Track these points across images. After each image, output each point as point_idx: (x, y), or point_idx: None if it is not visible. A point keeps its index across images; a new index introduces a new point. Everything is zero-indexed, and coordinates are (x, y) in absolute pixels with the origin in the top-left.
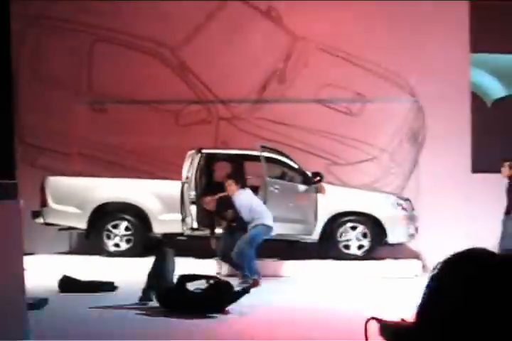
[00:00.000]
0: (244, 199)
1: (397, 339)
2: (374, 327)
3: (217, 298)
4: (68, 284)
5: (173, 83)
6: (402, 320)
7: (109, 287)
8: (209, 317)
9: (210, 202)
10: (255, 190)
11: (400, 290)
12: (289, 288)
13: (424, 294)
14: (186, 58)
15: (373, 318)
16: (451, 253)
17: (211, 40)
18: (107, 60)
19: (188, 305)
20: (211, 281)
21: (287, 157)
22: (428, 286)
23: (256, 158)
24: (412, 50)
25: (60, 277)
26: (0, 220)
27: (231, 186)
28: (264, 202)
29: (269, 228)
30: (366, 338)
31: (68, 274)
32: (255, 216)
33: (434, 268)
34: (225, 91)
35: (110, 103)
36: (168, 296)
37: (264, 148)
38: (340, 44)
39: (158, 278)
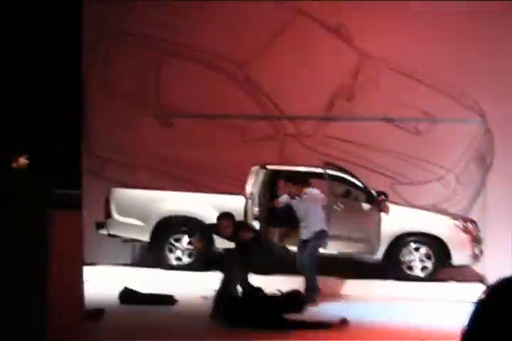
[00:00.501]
0: None
1: None
2: None
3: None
4: (129, 296)
5: (240, 98)
6: None
7: (169, 300)
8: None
9: None
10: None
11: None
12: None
13: (470, 320)
14: (254, 74)
15: None
16: (499, 278)
17: (279, 56)
18: (175, 74)
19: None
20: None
21: (352, 175)
22: (474, 313)
23: (321, 176)
24: (483, 70)
25: (121, 289)
26: (60, 229)
27: None
28: (328, 220)
29: None
30: None
31: (129, 286)
32: None
33: (481, 294)
34: (292, 108)
35: (177, 117)
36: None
37: (328, 165)
38: (410, 63)
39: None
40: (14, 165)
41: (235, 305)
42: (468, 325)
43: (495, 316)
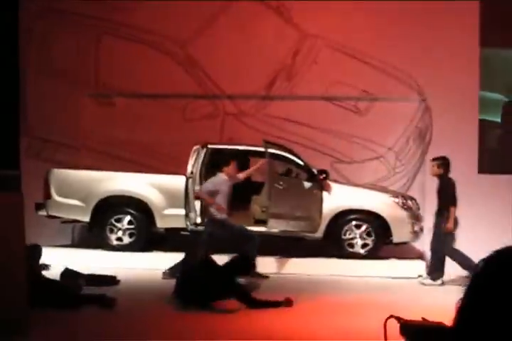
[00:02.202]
0: None
1: (420, 339)
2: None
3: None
4: (70, 277)
5: (181, 78)
6: (424, 319)
7: (112, 280)
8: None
9: None
10: (259, 186)
11: (401, 290)
12: (294, 286)
13: (465, 294)
14: (194, 53)
15: (392, 317)
16: (491, 251)
17: (219, 36)
18: (114, 54)
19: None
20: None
21: (292, 153)
22: (470, 286)
23: (261, 154)
24: (421, 49)
25: (61, 270)
26: (2, 210)
27: None
28: (269, 199)
29: None
30: (385, 337)
31: (70, 267)
32: None
33: (474, 268)
34: (233, 87)
35: (117, 97)
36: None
37: (269, 144)
38: (350, 42)
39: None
40: None
41: (186, 278)
42: (464, 299)
43: (489, 288)
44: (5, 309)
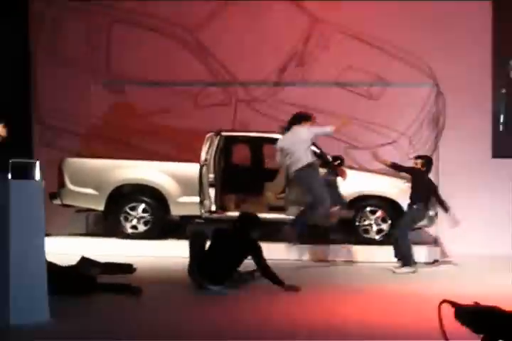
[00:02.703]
0: None
1: (475, 322)
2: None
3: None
4: (86, 265)
5: (192, 65)
6: (476, 303)
7: (128, 269)
8: None
9: None
10: (272, 173)
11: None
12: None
13: None
14: (205, 40)
15: (446, 301)
16: None
17: (230, 22)
18: (125, 41)
19: None
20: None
21: None
22: None
23: (275, 141)
24: (435, 34)
25: (78, 258)
26: (23, 197)
27: None
28: (285, 186)
29: None
30: (440, 322)
31: (86, 256)
32: None
33: None
34: (244, 74)
35: (128, 84)
36: None
37: (283, 131)
38: (362, 27)
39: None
40: None
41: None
42: None
43: None
44: (24, 297)
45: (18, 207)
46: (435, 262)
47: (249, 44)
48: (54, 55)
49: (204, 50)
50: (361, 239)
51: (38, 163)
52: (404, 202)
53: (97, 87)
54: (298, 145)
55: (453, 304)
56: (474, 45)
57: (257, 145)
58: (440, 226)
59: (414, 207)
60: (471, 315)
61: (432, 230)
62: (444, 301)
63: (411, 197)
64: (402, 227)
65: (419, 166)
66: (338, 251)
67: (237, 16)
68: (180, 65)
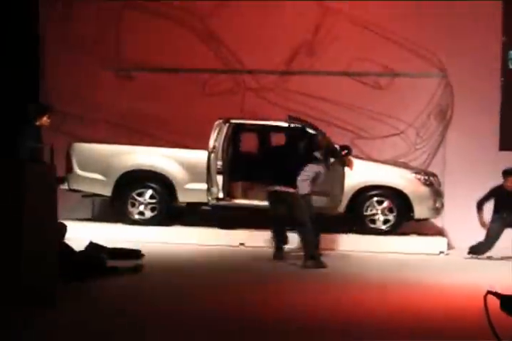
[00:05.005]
0: None
1: None
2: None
3: None
4: (94, 250)
5: (201, 52)
6: None
7: (136, 254)
8: None
9: None
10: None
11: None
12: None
13: None
14: (215, 27)
15: (490, 293)
16: None
17: (240, 10)
18: (135, 27)
19: None
20: None
21: (315, 129)
22: None
23: (283, 129)
24: (444, 25)
25: (86, 243)
26: (37, 179)
27: None
28: None
29: None
30: (487, 312)
31: (94, 241)
32: None
33: None
34: (253, 62)
35: (138, 71)
36: None
37: (293, 120)
38: (371, 17)
39: None
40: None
41: None
42: None
43: None
44: (36, 280)
45: (33, 189)
46: (441, 253)
47: (259, 32)
48: (63, 41)
49: (214, 38)
50: (368, 229)
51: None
52: (411, 192)
53: (105, 73)
54: None
55: (498, 295)
56: (485, 37)
57: (265, 133)
58: (446, 218)
59: None
60: None
61: (438, 221)
62: (489, 292)
63: None
64: None
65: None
66: (345, 241)
67: (248, 4)
68: (189, 51)
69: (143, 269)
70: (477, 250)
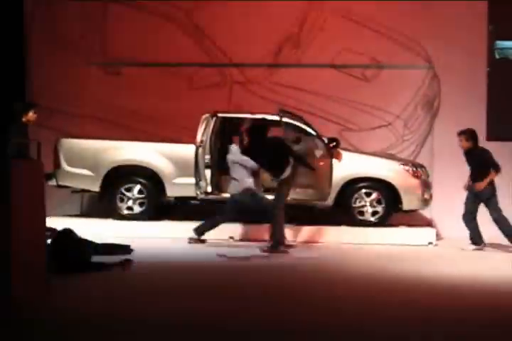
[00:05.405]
0: None
1: None
2: None
3: None
4: (83, 245)
5: (187, 46)
6: None
7: (125, 250)
8: None
9: None
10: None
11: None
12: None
13: None
14: (201, 21)
15: None
16: None
17: (226, 3)
18: (120, 22)
19: None
20: None
21: (304, 122)
22: None
23: (272, 123)
24: (430, 16)
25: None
26: (25, 174)
27: None
28: None
29: None
30: None
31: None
32: None
33: None
34: (240, 55)
35: (123, 66)
36: None
37: (282, 112)
38: (357, 9)
39: None
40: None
41: None
42: None
43: None
44: (24, 272)
45: (19, 185)
46: (430, 244)
47: (245, 25)
48: (49, 35)
49: (199, 31)
50: (356, 220)
51: (38, 143)
52: (399, 184)
53: (91, 68)
54: None
55: None
56: (472, 27)
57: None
58: (435, 209)
59: None
60: None
61: (427, 212)
62: None
63: None
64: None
65: (463, 141)
66: (333, 233)
67: None
68: (175, 46)
69: (132, 264)
70: (476, 241)
